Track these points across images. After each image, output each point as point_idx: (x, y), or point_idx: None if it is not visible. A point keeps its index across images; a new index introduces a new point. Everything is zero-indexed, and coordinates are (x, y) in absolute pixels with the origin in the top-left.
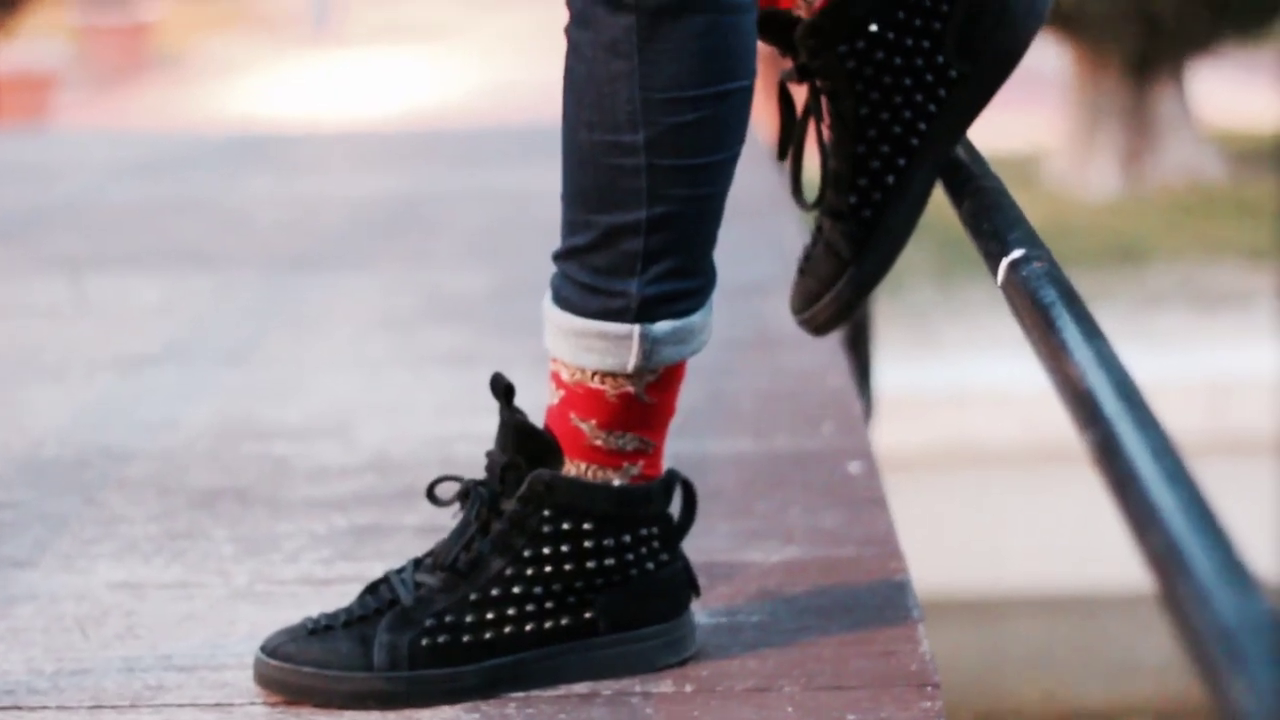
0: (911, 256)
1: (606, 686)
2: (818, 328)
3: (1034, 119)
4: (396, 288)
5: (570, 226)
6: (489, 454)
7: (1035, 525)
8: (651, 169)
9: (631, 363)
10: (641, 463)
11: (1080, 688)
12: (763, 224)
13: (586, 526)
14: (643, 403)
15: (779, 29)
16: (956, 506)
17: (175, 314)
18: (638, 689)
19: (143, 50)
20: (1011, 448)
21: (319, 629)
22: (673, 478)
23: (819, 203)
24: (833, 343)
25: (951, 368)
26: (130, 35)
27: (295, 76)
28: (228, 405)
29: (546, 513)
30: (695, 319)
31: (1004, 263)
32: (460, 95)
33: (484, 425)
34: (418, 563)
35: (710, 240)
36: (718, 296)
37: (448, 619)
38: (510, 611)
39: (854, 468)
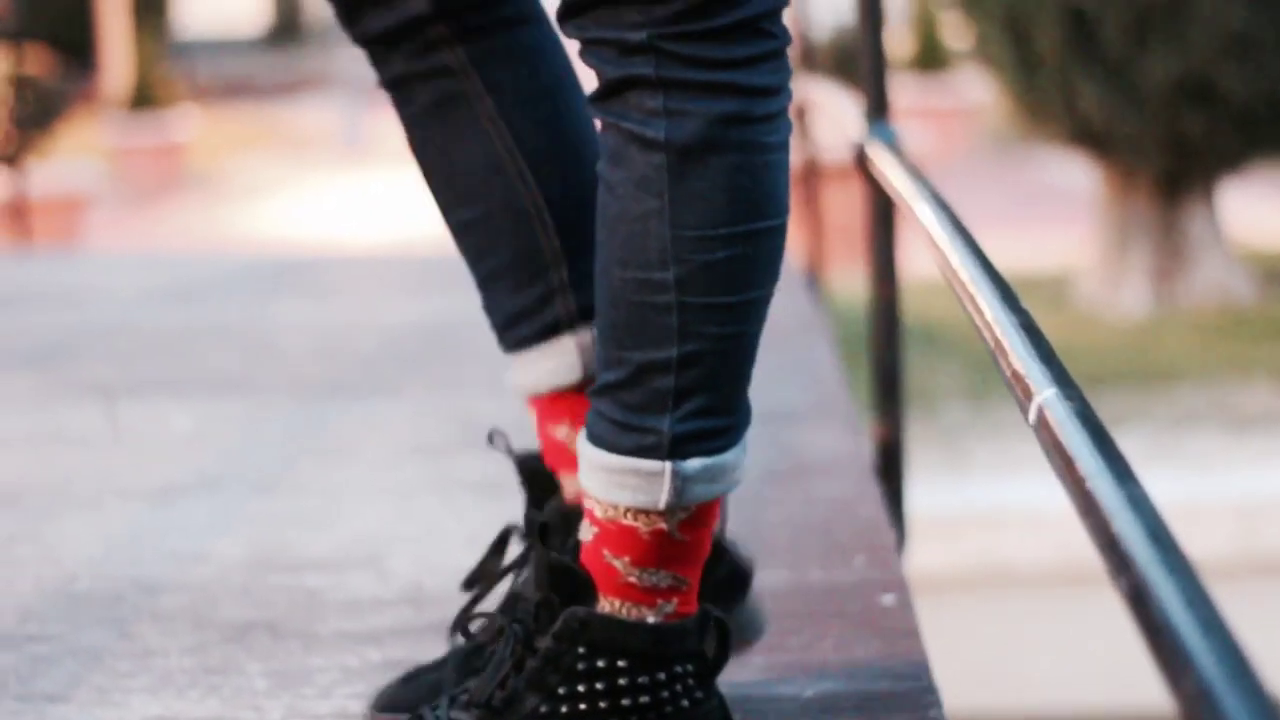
0: (942, 377)
1: None
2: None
3: (1064, 238)
4: (427, 414)
5: (604, 362)
6: (521, 591)
7: (1066, 648)
8: (683, 307)
9: (663, 500)
10: (676, 600)
11: None
12: (794, 350)
13: (621, 664)
14: (676, 540)
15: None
16: (986, 627)
17: (207, 442)
18: None
19: (175, 170)
20: (1043, 569)
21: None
22: (707, 615)
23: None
24: (864, 471)
25: (983, 489)
26: (163, 155)
27: (325, 196)
28: (259, 535)
29: (581, 650)
30: (728, 457)
31: (1035, 402)
32: None
33: (515, 555)
34: (452, 699)
35: (743, 378)
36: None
37: None
38: None
39: (887, 600)
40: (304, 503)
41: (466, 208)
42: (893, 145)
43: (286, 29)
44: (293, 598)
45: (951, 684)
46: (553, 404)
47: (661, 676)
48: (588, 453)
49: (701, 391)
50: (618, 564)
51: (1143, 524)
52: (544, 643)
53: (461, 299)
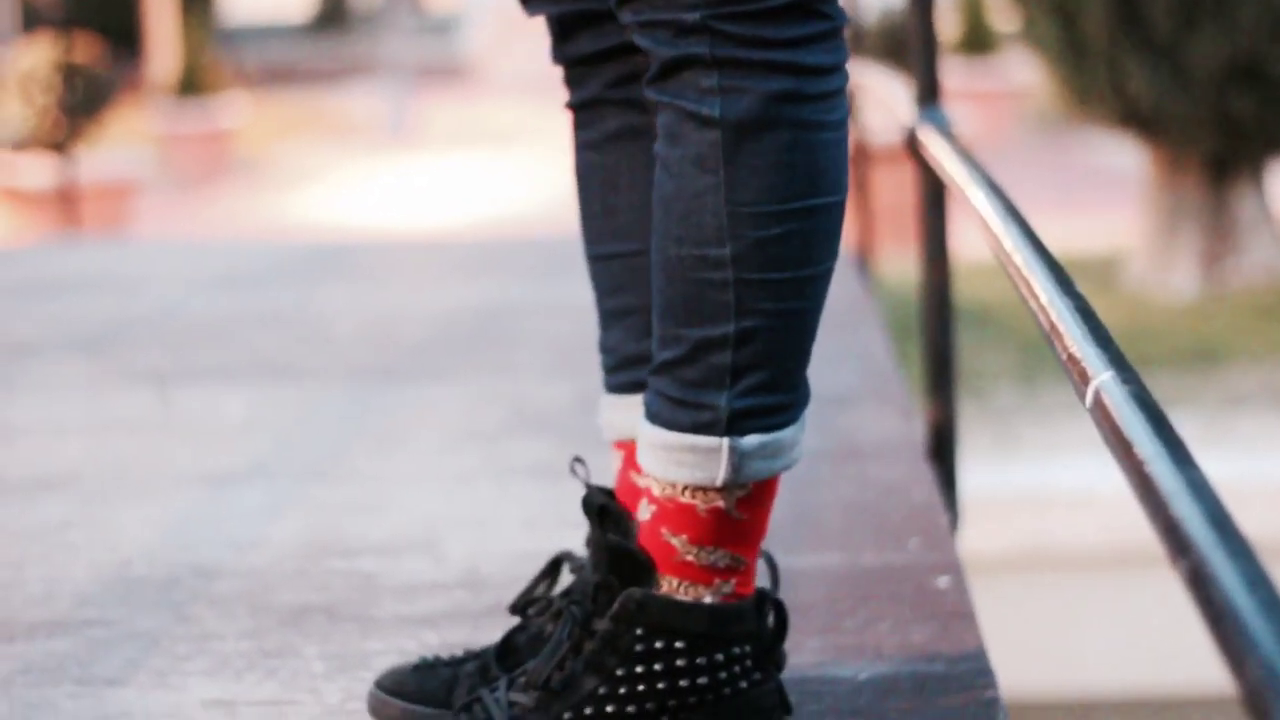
0: (993, 360)
1: None
2: None
3: (1112, 220)
4: (480, 399)
5: (661, 341)
6: (580, 572)
7: (1117, 627)
8: (739, 283)
9: (721, 476)
10: (734, 580)
11: None
12: (846, 334)
13: (679, 645)
14: (733, 518)
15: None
16: (1036, 609)
17: (260, 428)
18: None
19: (223, 156)
20: (1093, 550)
21: (421, 667)
22: (764, 596)
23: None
24: (917, 453)
25: (1034, 470)
26: (211, 141)
27: (372, 182)
28: (314, 521)
29: (639, 631)
30: (786, 434)
31: (1092, 385)
32: (537, 201)
33: (572, 540)
34: (511, 681)
35: (802, 355)
36: None
37: None
38: None
39: (942, 582)
40: (358, 488)
41: (618, 241)
42: (944, 129)
43: (332, 15)
44: (349, 582)
45: (1000, 662)
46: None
47: (719, 658)
48: (646, 432)
49: (759, 368)
50: (675, 542)
51: (1202, 507)
52: (602, 624)
53: (511, 284)
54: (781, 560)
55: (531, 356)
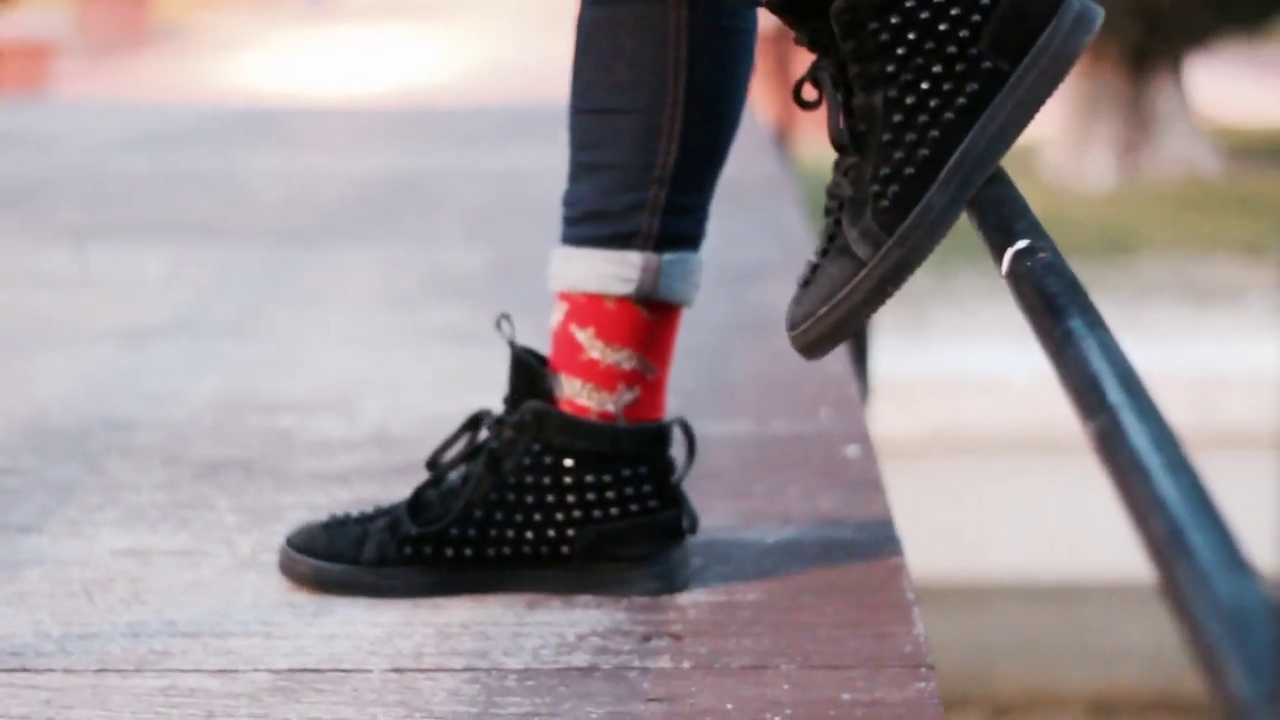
0: None
1: (606, 660)
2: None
3: None
4: (397, 264)
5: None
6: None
7: (1023, 513)
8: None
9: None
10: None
11: (1066, 675)
12: (761, 209)
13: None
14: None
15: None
16: (946, 492)
17: (179, 286)
18: (635, 664)
19: (142, 22)
20: (1002, 435)
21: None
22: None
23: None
24: None
25: (946, 354)
26: (130, 6)
27: (293, 52)
28: (231, 378)
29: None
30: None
31: (1009, 252)
32: (454, 73)
33: (483, 401)
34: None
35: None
36: (718, 280)
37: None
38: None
39: (851, 451)
40: (275, 347)
41: (610, 95)
42: None
43: None
44: (264, 438)
45: (908, 546)
46: (590, 305)
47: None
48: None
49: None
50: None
51: (1113, 368)
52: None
53: (430, 151)
54: (694, 426)
55: (447, 224)
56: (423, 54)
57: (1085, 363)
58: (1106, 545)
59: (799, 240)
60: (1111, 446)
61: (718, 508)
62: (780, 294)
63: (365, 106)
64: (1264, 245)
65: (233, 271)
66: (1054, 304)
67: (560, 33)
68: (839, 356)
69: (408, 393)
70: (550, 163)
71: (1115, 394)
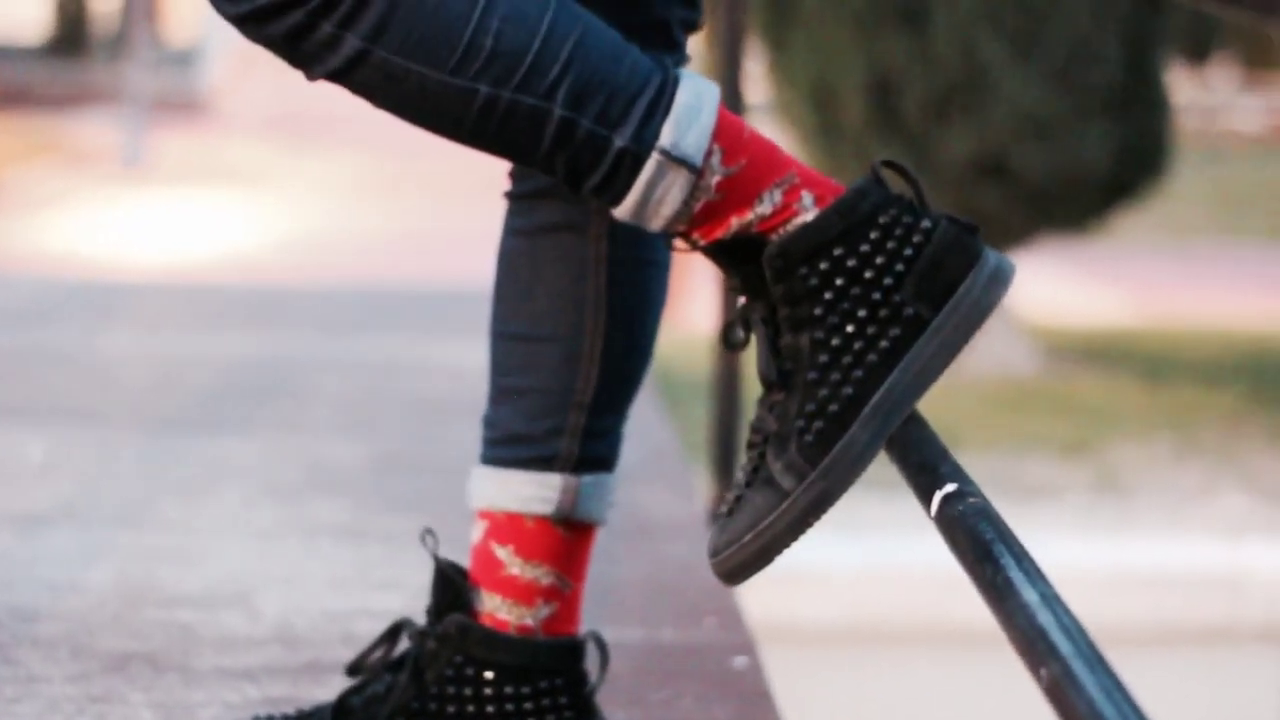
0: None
1: None
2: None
3: None
4: (276, 455)
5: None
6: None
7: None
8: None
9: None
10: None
11: None
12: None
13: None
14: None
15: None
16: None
17: (62, 472)
18: None
19: None
20: (832, 627)
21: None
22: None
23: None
24: (703, 532)
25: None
26: None
27: (108, 214)
28: (127, 568)
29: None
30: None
31: (938, 495)
32: (275, 244)
33: (381, 602)
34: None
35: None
36: None
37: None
38: None
39: (739, 663)
40: (167, 537)
41: (529, 324)
42: None
43: (69, 38)
44: (167, 632)
45: None
46: (509, 524)
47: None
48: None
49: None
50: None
51: (1056, 619)
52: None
53: (293, 336)
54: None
55: (325, 413)
56: (240, 222)
57: (1030, 613)
58: None
59: (661, 443)
60: (1066, 696)
61: (615, 716)
62: (649, 498)
63: (199, 280)
64: (1079, 445)
65: (113, 458)
66: (989, 551)
67: (376, 205)
68: None
69: (305, 589)
70: (417, 355)
71: (1064, 644)
